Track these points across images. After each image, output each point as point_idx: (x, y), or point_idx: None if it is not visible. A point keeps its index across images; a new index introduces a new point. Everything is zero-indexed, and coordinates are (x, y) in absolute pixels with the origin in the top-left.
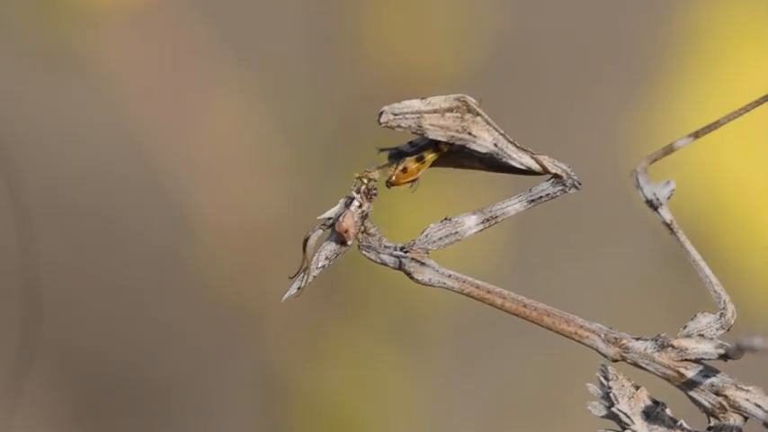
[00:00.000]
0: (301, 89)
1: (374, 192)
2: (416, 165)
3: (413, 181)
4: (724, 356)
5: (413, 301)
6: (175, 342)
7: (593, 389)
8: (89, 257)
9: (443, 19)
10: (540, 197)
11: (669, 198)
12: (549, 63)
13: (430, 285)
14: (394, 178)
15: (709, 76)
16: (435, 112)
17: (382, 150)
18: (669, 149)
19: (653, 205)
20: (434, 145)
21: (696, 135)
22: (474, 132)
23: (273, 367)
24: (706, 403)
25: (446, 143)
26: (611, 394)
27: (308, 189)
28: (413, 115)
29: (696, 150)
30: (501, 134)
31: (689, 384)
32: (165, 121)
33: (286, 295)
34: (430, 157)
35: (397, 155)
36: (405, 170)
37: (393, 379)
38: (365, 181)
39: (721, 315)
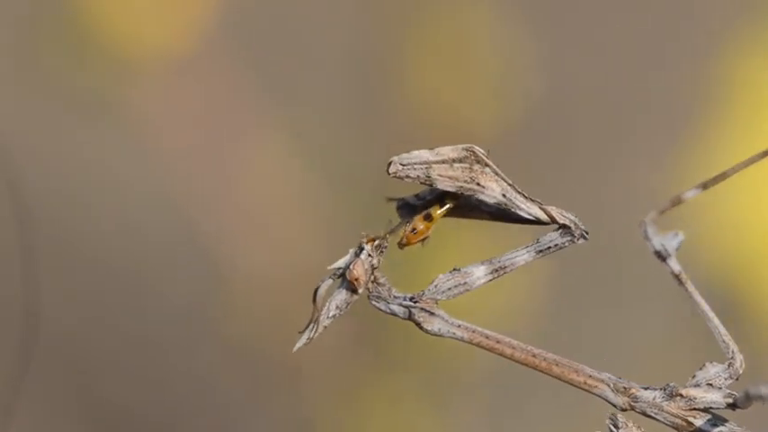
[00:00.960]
0: (343, 138)
1: (384, 245)
2: (425, 224)
3: (423, 239)
4: (732, 405)
5: (448, 353)
6: (208, 395)
7: None
8: (119, 311)
9: (485, 74)
10: (549, 247)
11: (677, 249)
12: (584, 116)
13: (439, 335)
14: (405, 239)
15: (745, 129)
16: (444, 162)
17: (390, 200)
18: (677, 200)
19: (661, 256)
20: (441, 200)
21: (704, 186)
22: (482, 183)
23: (307, 420)
24: None
25: (454, 194)
26: None
27: (348, 240)
28: (421, 166)
29: (711, 201)
30: (509, 184)
31: None
32: (203, 172)
33: (297, 346)
34: (437, 214)
35: (404, 207)
36: (414, 230)
37: (427, 428)
38: (374, 238)
39: (729, 365)
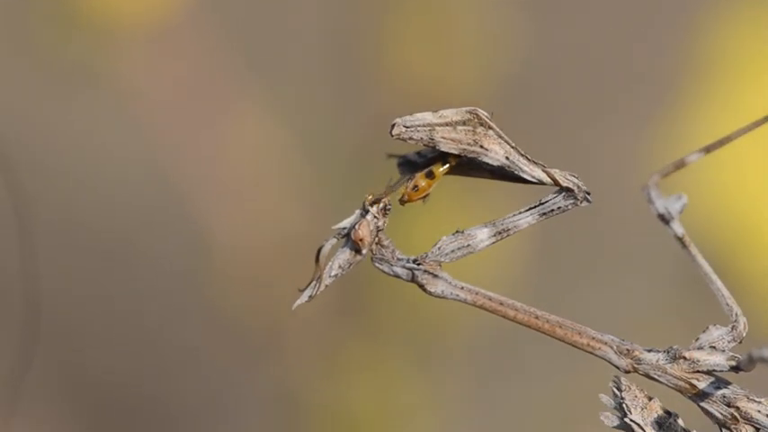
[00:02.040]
0: (322, 109)
1: (389, 207)
2: (427, 181)
3: (425, 197)
4: (735, 368)
5: (432, 320)
6: (193, 363)
7: (606, 399)
8: (106, 282)
9: (465, 41)
10: (552, 210)
11: (681, 212)
12: (567, 87)
13: (442, 297)
14: (406, 196)
15: (729, 100)
16: (447, 124)
17: (390, 157)
18: (681, 164)
19: (665, 219)
20: (443, 157)
21: (707, 150)
22: (486, 145)
23: (292, 386)
24: (718, 415)
25: (457, 155)
26: (623, 405)
27: (328, 208)
28: (425, 128)
29: (712, 167)
30: (513, 147)
31: (701, 396)
32: (184, 141)
33: (297, 303)
34: (439, 171)
35: (405, 164)
36: (416, 188)
37: (412, 398)
38: (378, 198)
39: (733, 327)
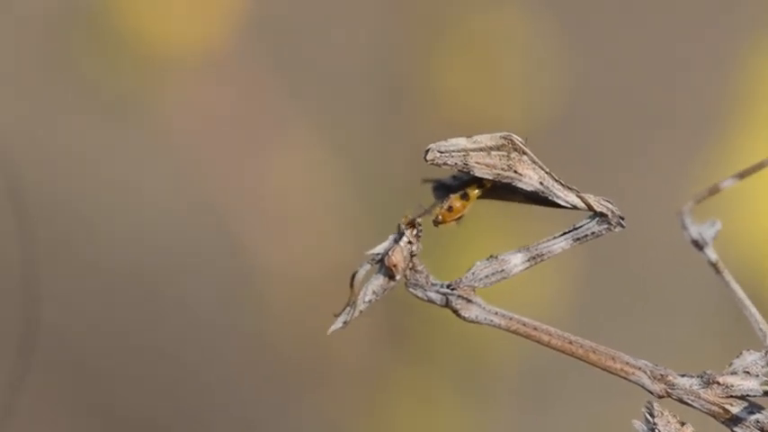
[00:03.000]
0: (369, 138)
1: (420, 232)
2: (462, 202)
3: (459, 218)
4: None
5: (477, 347)
6: (233, 393)
7: (639, 425)
8: (148, 310)
9: (511, 75)
10: (586, 235)
11: (714, 238)
12: (608, 126)
13: (476, 322)
14: (440, 217)
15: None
16: (481, 150)
17: (426, 181)
18: (715, 189)
19: (698, 245)
20: (478, 180)
21: (741, 175)
22: (520, 171)
23: (335, 416)
24: None
25: (491, 180)
26: (656, 430)
27: (375, 241)
28: (459, 153)
29: (746, 194)
30: (547, 173)
31: (734, 421)
32: (229, 172)
33: (332, 329)
34: (474, 193)
35: (440, 188)
36: (450, 209)
37: (456, 425)
38: (412, 221)
39: (767, 353)
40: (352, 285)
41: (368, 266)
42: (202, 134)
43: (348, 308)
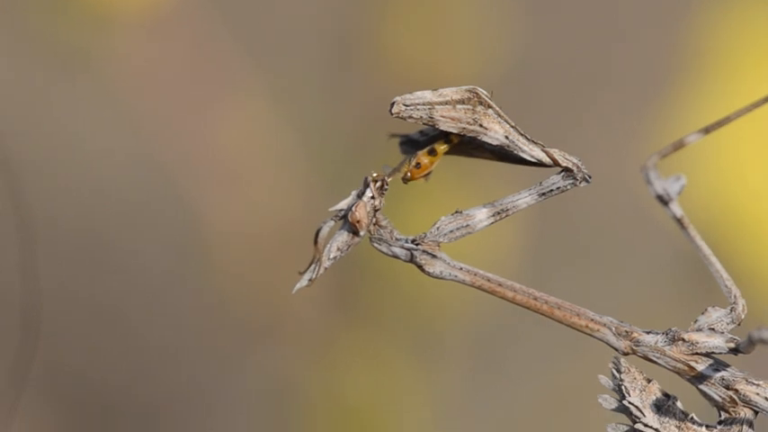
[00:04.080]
0: (317, 94)
1: (386, 186)
2: (429, 158)
3: (427, 174)
4: (734, 350)
5: (429, 311)
6: (188, 353)
7: (605, 381)
8: (97, 271)
9: (461, 30)
10: (551, 190)
11: (679, 193)
12: (565, 79)
13: (441, 278)
14: (409, 174)
15: (726, 89)
16: (447, 103)
17: (393, 136)
18: (679, 144)
19: (663, 200)
20: (445, 135)
21: (707, 130)
22: (485, 124)
23: (287, 376)
24: (716, 397)
25: (457, 134)
26: (622, 387)
27: (324, 195)
28: (424, 106)
29: (710, 155)
30: (512, 126)
31: (699, 378)
32: (177, 128)
33: (297, 287)
34: (441, 149)
35: (407, 142)
36: (418, 165)
37: (408, 386)
38: (377, 176)
39: (732, 309)
40: (316, 242)
41: (331, 223)
42: (151, 91)
43: (313, 265)
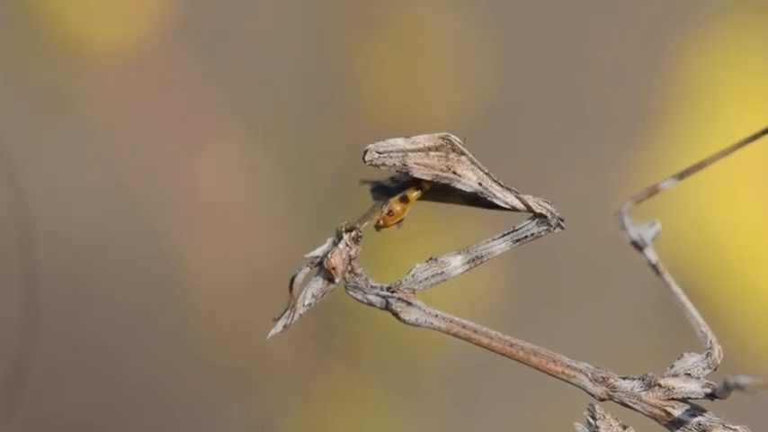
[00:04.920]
0: (298, 138)
1: (359, 235)
2: (401, 205)
3: (399, 221)
4: (711, 395)
5: (408, 347)
6: (162, 399)
7: (581, 428)
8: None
9: (439, 74)
10: (525, 236)
11: (654, 239)
12: (540, 121)
13: (416, 325)
14: (381, 221)
15: (703, 129)
16: (420, 150)
17: (364, 183)
18: (654, 190)
19: (638, 246)
20: (417, 182)
21: (681, 176)
22: (458, 172)
23: (267, 418)
24: None
25: (429, 181)
26: None
27: (304, 237)
28: (397, 154)
29: (685, 196)
30: (486, 173)
31: (676, 423)
32: (159, 169)
33: (272, 333)
34: (414, 195)
35: (378, 189)
36: (390, 212)
37: (388, 425)
38: (352, 227)
39: (708, 355)
40: (291, 289)
41: (307, 269)
42: (127, 129)
43: (288, 311)
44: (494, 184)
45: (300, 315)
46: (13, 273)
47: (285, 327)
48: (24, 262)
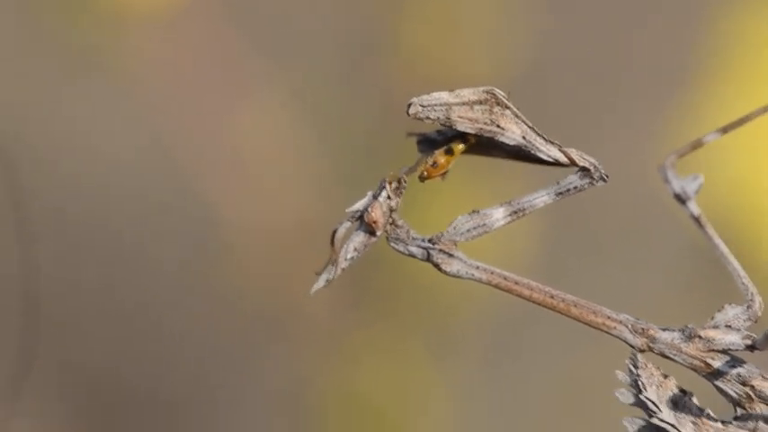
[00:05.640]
0: (336, 93)
1: (403, 186)
2: (446, 157)
3: (444, 173)
4: (751, 347)
5: (445, 303)
6: (204, 349)
7: (622, 376)
8: (113, 267)
9: (478, 29)
10: (568, 189)
11: (697, 192)
12: (582, 80)
13: (458, 277)
14: (426, 173)
15: (744, 86)
16: (464, 104)
17: (410, 135)
18: (698, 144)
19: (681, 199)
20: (462, 135)
21: (725, 130)
22: (502, 125)
23: (303, 372)
24: (732, 393)
25: (474, 135)
26: (639, 382)
27: (342, 191)
28: (441, 107)
29: (728, 152)
30: (529, 127)
31: (715, 375)
32: (194, 127)
33: (314, 288)
34: (458, 149)
35: (424, 141)
36: (435, 164)
37: (424, 380)
38: (399, 178)
39: (748, 307)
40: (332, 243)
41: (348, 223)
42: (166, 88)
43: (330, 266)
44: (537, 138)
45: (343, 269)
46: (50, 228)
47: (327, 281)
48: (60, 218)
